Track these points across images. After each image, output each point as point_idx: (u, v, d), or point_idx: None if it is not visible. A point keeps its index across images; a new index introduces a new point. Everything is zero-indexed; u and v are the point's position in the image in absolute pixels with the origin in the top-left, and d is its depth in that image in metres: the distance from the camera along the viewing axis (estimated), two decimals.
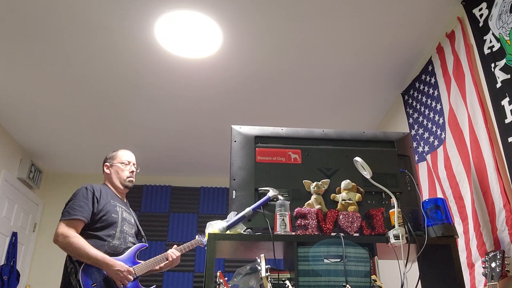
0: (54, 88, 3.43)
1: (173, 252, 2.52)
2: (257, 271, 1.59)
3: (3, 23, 2.73)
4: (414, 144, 2.98)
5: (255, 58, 3.07)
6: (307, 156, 1.89)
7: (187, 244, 2.61)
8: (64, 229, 2.21)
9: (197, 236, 2.67)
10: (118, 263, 2.24)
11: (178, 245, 2.62)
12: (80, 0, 2.56)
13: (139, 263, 2.40)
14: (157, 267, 2.49)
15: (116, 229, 2.38)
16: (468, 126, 2.32)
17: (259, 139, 1.91)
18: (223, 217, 1.75)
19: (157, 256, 2.46)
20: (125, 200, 2.65)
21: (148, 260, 2.43)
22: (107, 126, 4.02)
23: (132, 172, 2.60)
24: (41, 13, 2.65)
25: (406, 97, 3.25)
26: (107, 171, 2.58)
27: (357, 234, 1.74)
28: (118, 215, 2.42)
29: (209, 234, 1.65)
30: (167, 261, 2.50)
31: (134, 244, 2.47)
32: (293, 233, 1.69)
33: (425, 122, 2.89)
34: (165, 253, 2.52)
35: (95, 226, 2.31)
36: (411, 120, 3.11)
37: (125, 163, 2.59)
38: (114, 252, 2.32)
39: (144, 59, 3.07)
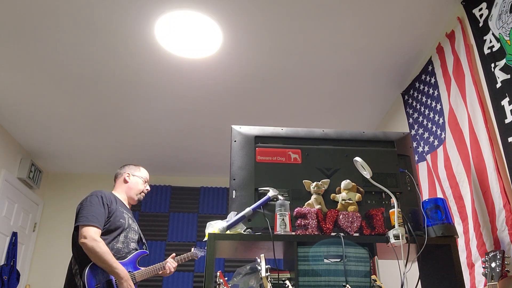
0: (54, 88, 3.43)
1: (171, 264, 2.61)
2: (257, 271, 1.59)
3: (2, 23, 2.73)
4: (414, 144, 2.98)
5: (255, 58, 3.07)
6: (307, 156, 1.89)
7: (183, 255, 2.73)
8: (93, 232, 2.26)
9: (193, 249, 2.81)
10: (128, 276, 2.28)
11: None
12: (80, 0, 2.56)
13: (140, 269, 2.45)
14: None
15: (121, 234, 2.43)
16: (468, 126, 2.32)
17: (259, 139, 1.91)
18: (223, 217, 1.75)
19: (156, 265, 2.54)
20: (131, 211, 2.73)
21: (148, 267, 2.50)
22: (107, 126, 4.02)
23: (147, 190, 2.75)
24: (41, 13, 2.65)
25: (406, 97, 3.25)
26: (127, 179, 2.67)
27: (357, 234, 1.74)
28: (126, 221, 2.49)
29: (209, 234, 1.65)
30: (164, 271, 2.58)
31: (136, 249, 2.51)
32: (293, 233, 1.69)
33: (425, 122, 2.89)
34: (163, 262, 2.59)
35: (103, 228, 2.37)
36: (411, 120, 3.11)
37: (145, 180, 2.74)
38: (117, 255, 2.36)
39: (144, 59, 3.07)
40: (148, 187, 2.75)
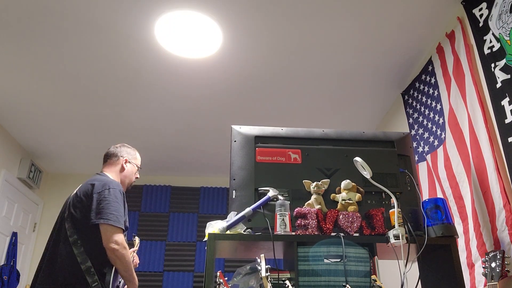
0: (54, 88, 3.43)
1: (137, 260, 2.46)
2: (257, 271, 1.59)
3: (3, 23, 2.73)
4: (414, 144, 2.98)
5: (255, 58, 3.07)
6: (307, 156, 1.89)
7: (134, 249, 2.51)
8: (123, 238, 2.07)
9: (136, 239, 2.57)
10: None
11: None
12: (80, 1, 2.56)
13: None
14: None
15: (126, 235, 2.26)
16: (468, 126, 2.32)
17: (259, 139, 1.91)
18: (223, 217, 1.75)
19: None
20: None
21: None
22: (107, 126, 4.02)
23: (136, 178, 2.50)
24: (41, 13, 2.65)
25: (406, 97, 3.25)
26: (125, 165, 2.40)
27: (357, 234, 1.74)
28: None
29: (209, 234, 1.65)
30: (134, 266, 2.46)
31: None
32: (293, 233, 1.69)
33: (425, 122, 2.89)
34: (131, 257, 2.38)
35: None
36: (411, 120, 3.11)
37: (138, 168, 2.50)
38: None
39: (144, 59, 3.07)
40: (138, 175, 2.50)
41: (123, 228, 2.10)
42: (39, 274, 2.09)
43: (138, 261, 2.51)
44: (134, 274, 2.14)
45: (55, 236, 2.16)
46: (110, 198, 2.10)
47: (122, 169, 2.40)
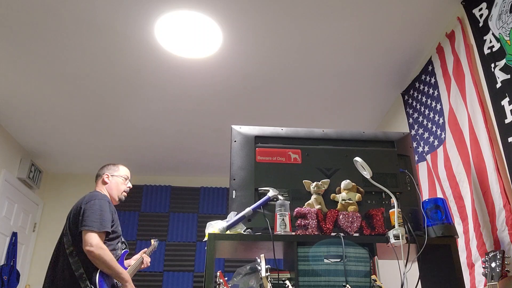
0: (54, 88, 3.43)
1: (146, 259, 2.67)
2: (257, 271, 1.60)
3: (3, 23, 2.73)
4: (414, 144, 2.98)
5: (255, 58, 3.07)
6: (307, 156, 1.89)
7: (149, 250, 2.81)
8: (98, 240, 2.23)
9: (153, 241, 2.90)
10: (130, 279, 2.33)
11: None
12: (80, 1, 2.56)
13: (127, 268, 2.48)
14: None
15: (120, 240, 2.46)
16: (468, 126, 2.32)
17: (259, 139, 1.91)
18: (223, 217, 1.75)
19: (136, 260, 2.61)
20: None
21: (132, 265, 2.57)
22: (107, 126, 4.02)
23: (129, 188, 2.69)
24: (42, 13, 2.65)
25: (406, 97, 3.25)
26: (107, 180, 2.60)
27: (357, 234, 1.74)
28: (120, 227, 2.50)
29: (209, 234, 1.66)
30: (143, 265, 2.66)
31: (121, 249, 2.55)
32: (293, 233, 1.69)
33: (425, 122, 2.89)
34: (140, 258, 2.65)
35: (107, 237, 2.35)
36: (411, 120, 3.11)
37: (125, 178, 2.67)
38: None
39: (144, 59, 3.07)
40: (130, 185, 2.69)
41: (104, 231, 2.27)
42: (44, 284, 2.32)
43: (149, 260, 2.70)
44: (120, 270, 2.26)
45: (56, 250, 2.39)
46: (95, 207, 2.32)
47: (105, 183, 2.61)
